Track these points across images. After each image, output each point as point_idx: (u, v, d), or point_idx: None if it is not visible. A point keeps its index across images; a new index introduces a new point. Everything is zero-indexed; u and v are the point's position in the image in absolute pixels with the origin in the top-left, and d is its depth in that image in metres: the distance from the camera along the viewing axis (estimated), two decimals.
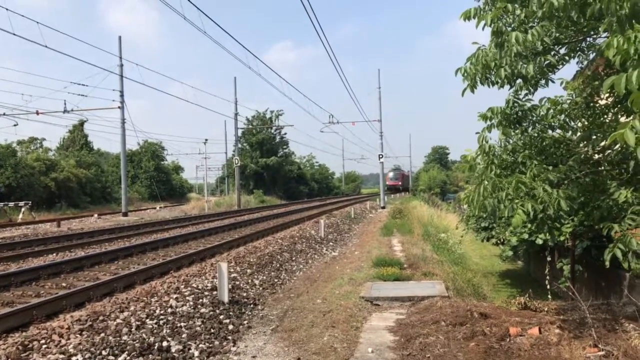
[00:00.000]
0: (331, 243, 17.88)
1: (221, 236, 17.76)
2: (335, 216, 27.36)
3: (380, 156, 42.16)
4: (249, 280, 10.19)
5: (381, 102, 43.28)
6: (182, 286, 8.77)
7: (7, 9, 18.49)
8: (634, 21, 4.12)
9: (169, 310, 7.33)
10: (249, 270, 11.03)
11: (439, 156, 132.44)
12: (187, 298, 8.00)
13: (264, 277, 10.77)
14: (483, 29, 5.46)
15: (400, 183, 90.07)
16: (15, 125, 36.72)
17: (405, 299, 8.59)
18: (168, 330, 6.51)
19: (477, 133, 6.12)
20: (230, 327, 7.01)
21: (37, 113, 32.37)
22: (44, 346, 5.67)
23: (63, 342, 5.80)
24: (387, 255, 13.35)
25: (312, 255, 14.88)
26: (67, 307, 7.38)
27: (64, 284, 9.37)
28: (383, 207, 39.99)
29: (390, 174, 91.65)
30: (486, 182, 5.34)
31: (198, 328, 6.75)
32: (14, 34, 19.47)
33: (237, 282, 9.71)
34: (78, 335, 6.03)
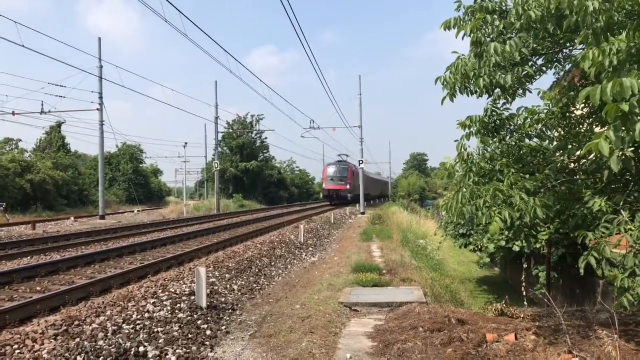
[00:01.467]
0: (311, 248, 17.87)
1: (200, 240, 17.62)
2: (315, 221, 27.37)
3: (361, 162, 42.32)
4: (228, 286, 10.13)
5: (362, 108, 43.39)
6: (160, 291, 8.68)
7: None
8: (609, 34, 4.23)
9: (146, 315, 7.24)
10: (227, 276, 10.96)
11: (417, 163, 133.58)
12: (165, 303, 7.92)
13: (243, 283, 10.71)
14: (463, 38, 5.56)
15: (348, 187, 50.96)
16: None
17: (384, 305, 8.63)
18: (145, 336, 6.43)
19: (456, 141, 6.20)
20: (209, 332, 6.96)
21: (14, 114, 31.77)
22: (17, 351, 5.56)
23: (37, 347, 5.70)
24: (366, 261, 13.38)
25: (291, 260, 14.86)
26: (41, 312, 7.25)
27: (38, 288, 9.20)
28: (363, 213, 40.11)
29: (330, 170, 52.65)
30: (465, 190, 5.40)
31: (175, 333, 6.68)
32: None
33: (216, 287, 9.65)
34: (52, 341, 5.92)
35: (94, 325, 6.53)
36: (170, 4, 11.85)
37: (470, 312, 8.18)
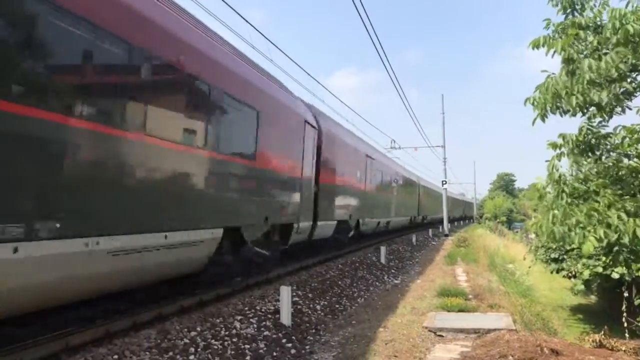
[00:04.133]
0: (393, 270, 17.67)
1: (282, 260, 17.89)
2: (397, 243, 27.05)
3: (444, 182, 41.44)
4: (311, 305, 10.24)
5: (445, 127, 42.61)
6: (246, 308, 8.93)
7: None
8: None
9: (234, 332, 7.48)
10: (310, 295, 11.08)
11: (504, 183, 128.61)
12: (251, 320, 8.13)
13: (325, 303, 10.78)
14: (552, 56, 5.39)
15: None
16: None
17: (471, 330, 8.37)
18: (232, 352, 6.64)
19: (547, 161, 5.97)
20: (293, 351, 7.07)
21: None
22: None
23: (135, 358, 6.04)
24: (451, 285, 13.05)
25: (373, 282, 14.77)
26: (137, 324, 7.66)
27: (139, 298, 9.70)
28: (446, 235, 39.13)
29: None
30: (556, 211, 5.18)
31: (261, 351, 6.85)
32: None
33: (299, 307, 9.78)
34: (147, 353, 6.25)
35: (186, 340, 6.83)
36: (258, 31, 12.52)
37: (564, 342, 7.74)
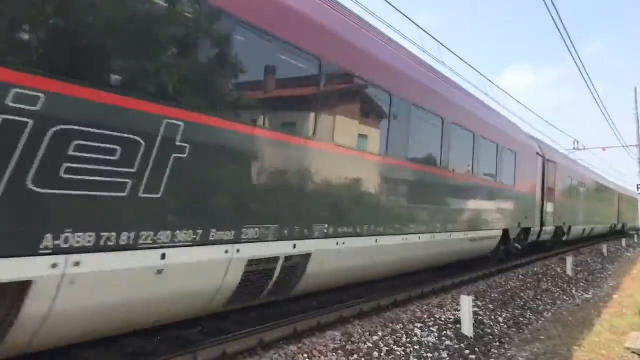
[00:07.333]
0: (582, 283, 16.09)
1: (457, 269, 17.38)
2: (584, 253, 24.60)
3: (639, 187, 36.71)
4: (492, 317, 9.76)
5: (639, 124, 37.79)
6: (425, 316, 8.84)
7: None
8: None
9: (414, 339, 7.44)
10: (490, 306, 10.58)
11: None
12: (432, 329, 8.02)
13: (508, 315, 10.19)
14: None
15: None
16: None
17: None
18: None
19: None
20: None
21: None
22: None
23: (322, 358, 6.32)
24: None
25: (559, 295, 13.59)
26: (321, 325, 8.01)
27: (314, 303, 10.17)
28: None
29: None
30: None
31: None
32: None
33: (480, 317, 9.39)
34: (334, 354, 6.51)
35: (369, 344, 6.97)
36: (428, 34, 12.38)
37: None
